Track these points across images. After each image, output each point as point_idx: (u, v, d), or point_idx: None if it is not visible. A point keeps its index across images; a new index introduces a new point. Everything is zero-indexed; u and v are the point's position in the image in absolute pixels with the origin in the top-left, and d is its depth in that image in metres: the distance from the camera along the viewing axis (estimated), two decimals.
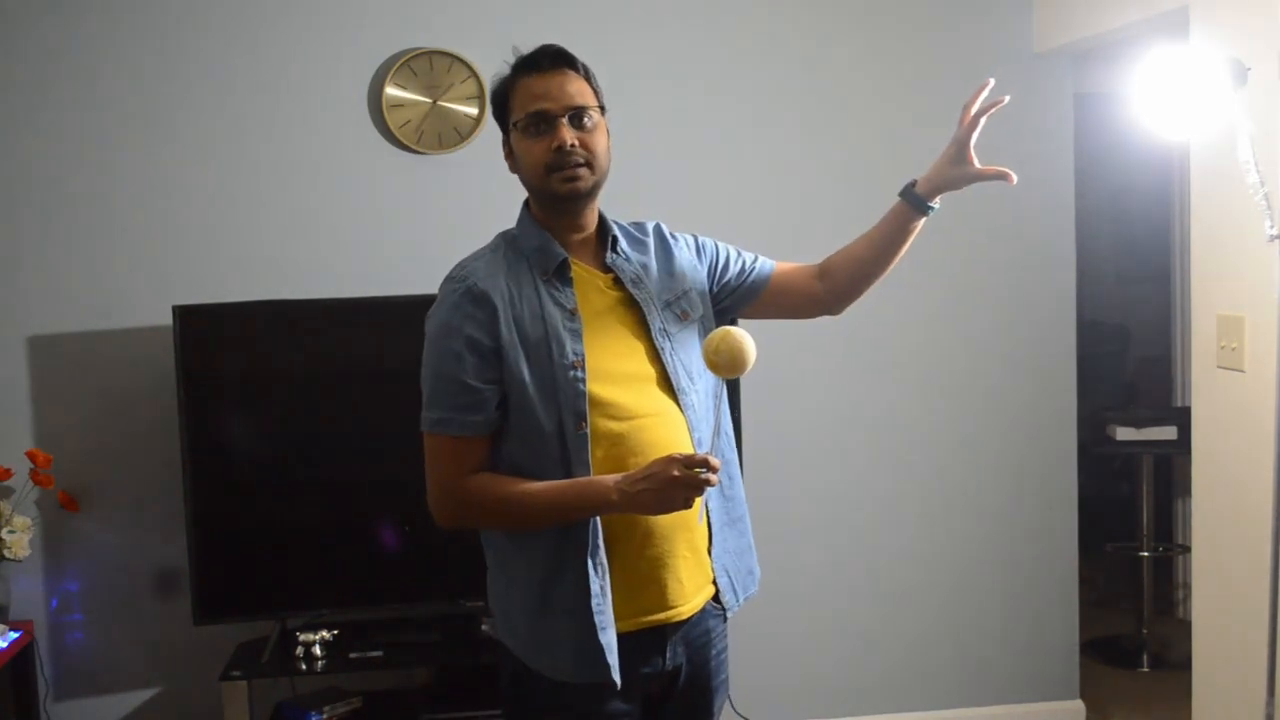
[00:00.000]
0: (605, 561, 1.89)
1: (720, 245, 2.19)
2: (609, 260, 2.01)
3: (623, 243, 2.05)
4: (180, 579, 3.33)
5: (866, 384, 3.74)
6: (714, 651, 2.05)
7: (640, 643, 1.93)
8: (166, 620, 3.41)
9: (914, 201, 2.06)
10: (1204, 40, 2.93)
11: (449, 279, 1.95)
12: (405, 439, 3.29)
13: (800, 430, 3.69)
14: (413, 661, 3.30)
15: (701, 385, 2.01)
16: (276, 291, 3.37)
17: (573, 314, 1.92)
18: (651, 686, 1.98)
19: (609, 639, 1.88)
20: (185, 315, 3.18)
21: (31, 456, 3.26)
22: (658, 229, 2.12)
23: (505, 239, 2.01)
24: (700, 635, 2.01)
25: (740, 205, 3.66)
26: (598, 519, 1.88)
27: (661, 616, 1.94)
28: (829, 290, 2.17)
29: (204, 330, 3.20)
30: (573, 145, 1.90)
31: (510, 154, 1.99)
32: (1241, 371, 2.86)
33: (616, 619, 1.89)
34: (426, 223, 3.50)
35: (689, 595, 1.97)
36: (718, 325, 2.00)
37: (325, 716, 3.22)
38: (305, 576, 3.30)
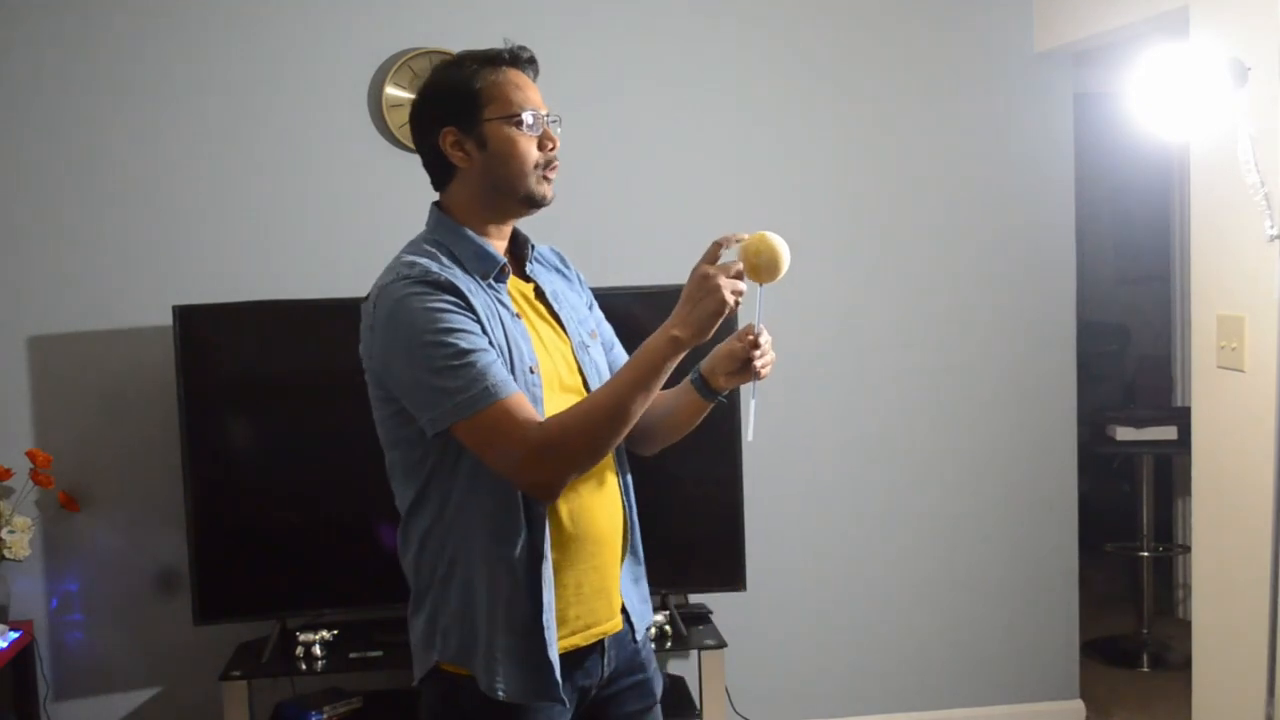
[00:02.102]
0: (552, 576, 1.81)
1: (604, 322, 2.08)
2: (529, 270, 1.95)
3: (538, 254, 2.00)
4: (180, 579, 3.33)
5: (866, 384, 3.74)
6: (638, 644, 1.98)
7: (587, 654, 1.88)
8: (166, 620, 3.41)
9: (705, 393, 1.93)
10: (1204, 40, 2.93)
11: (398, 280, 1.80)
12: None
13: (800, 430, 3.69)
14: (412, 661, 3.29)
15: None
16: (276, 291, 3.36)
17: (516, 318, 1.85)
18: (588, 695, 1.93)
19: (554, 656, 1.81)
20: (185, 315, 3.18)
21: (31, 456, 3.26)
22: (557, 253, 2.06)
23: (430, 243, 1.90)
24: (623, 634, 1.95)
25: (738, 205, 3.65)
26: (545, 532, 1.80)
27: (609, 626, 1.90)
28: None
29: (204, 330, 3.21)
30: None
31: (462, 145, 1.90)
32: (1241, 371, 2.87)
33: (572, 633, 1.85)
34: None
35: (621, 602, 1.94)
36: None
37: (325, 716, 3.21)
38: (305, 576, 3.30)
